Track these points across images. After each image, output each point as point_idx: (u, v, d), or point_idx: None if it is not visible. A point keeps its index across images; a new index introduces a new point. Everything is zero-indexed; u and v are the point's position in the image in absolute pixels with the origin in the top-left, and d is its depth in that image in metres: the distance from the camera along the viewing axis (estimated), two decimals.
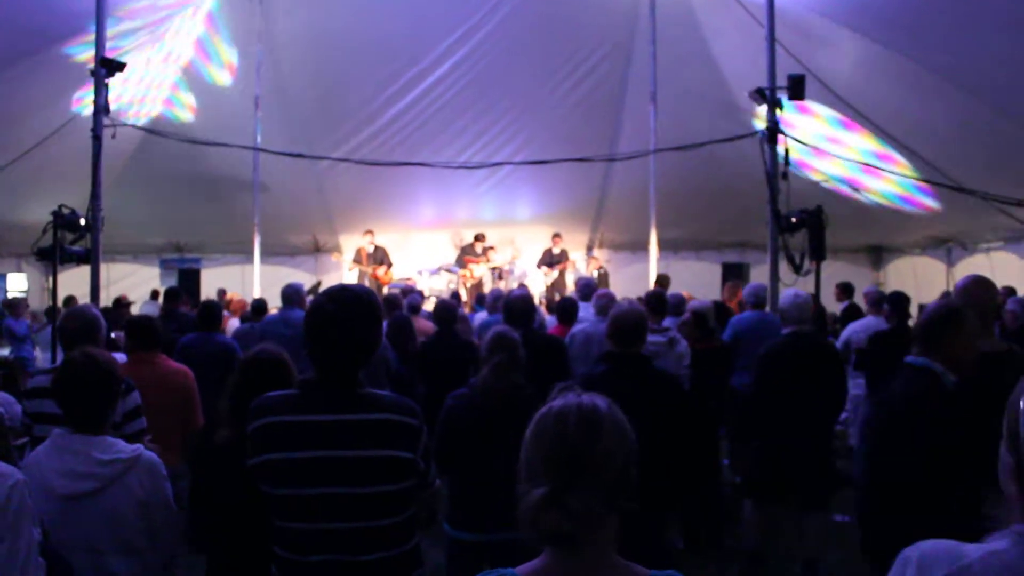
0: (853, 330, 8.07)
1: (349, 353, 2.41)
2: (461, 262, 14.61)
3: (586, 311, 7.26)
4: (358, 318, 2.42)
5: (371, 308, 2.46)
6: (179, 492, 3.05)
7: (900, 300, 7.33)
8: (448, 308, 6.52)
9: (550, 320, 8.92)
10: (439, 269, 14.64)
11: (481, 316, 8.37)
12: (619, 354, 4.07)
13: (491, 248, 14.87)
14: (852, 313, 9.53)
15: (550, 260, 14.79)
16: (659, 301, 6.26)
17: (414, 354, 6.64)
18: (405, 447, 2.39)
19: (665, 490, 4.00)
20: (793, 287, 6.02)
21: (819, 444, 5.18)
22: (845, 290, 10.38)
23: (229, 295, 11.95)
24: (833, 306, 10.95)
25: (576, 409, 1.53)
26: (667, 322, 6.26)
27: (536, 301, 11.65)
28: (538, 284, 14.91)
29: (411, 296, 9.36)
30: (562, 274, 14.70)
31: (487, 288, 13.64)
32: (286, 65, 12.32)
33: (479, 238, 14.71)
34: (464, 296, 14.01)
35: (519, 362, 3.82)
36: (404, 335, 7.12)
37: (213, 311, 6.77)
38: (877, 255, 16.41)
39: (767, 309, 7.37)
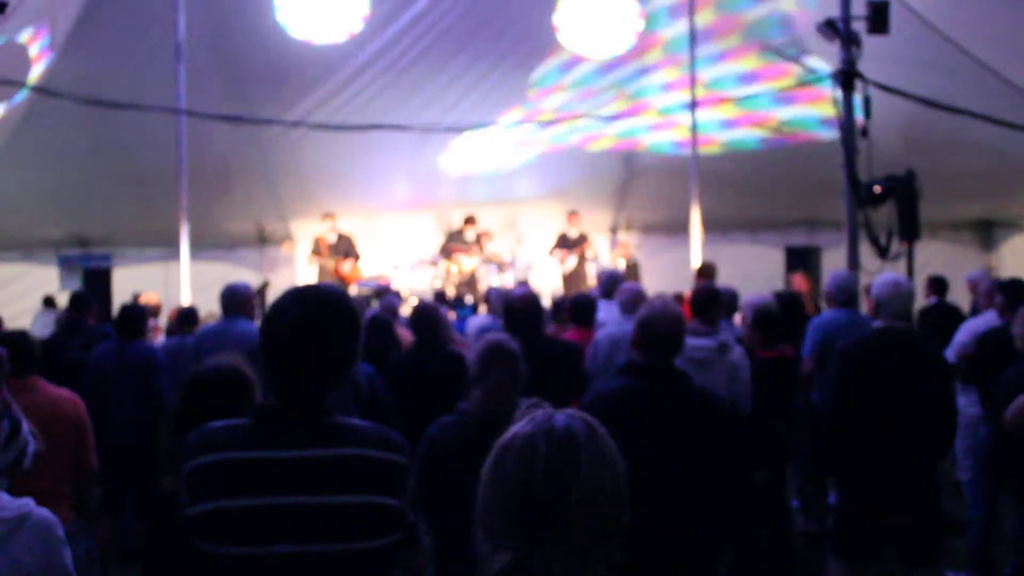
0: (971, 331, 7.87)
1: (319, 371, 2.39)
2: (447, 252, 14.58)
3: (608, 311, 7.23)
4: (331, 325, 2.40)
5: (347, 312, 2.45)
6: (75, 556, 3.00)
7: (1018, 290, 7.25)
8: (428, 313, 6.49)
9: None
10: (420, 262, 14.63)
11: (479, 321, 8.40)
12: (645, 366, 4.03)
13: (485, 234, 14.83)
14: (940, 314, 9.33)
15: (567, 244, 14.74)
16: (710, 301, 6.18)
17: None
18: (390, 491, 2.37)
19: (706, 544, 3.96)
20: (885, 273, 5.91)
21: (923, 478, 5.10)
22: (935, 285, 10.11)
23: (146, 296, 11.86)
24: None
25: (544, 438, 1.49)
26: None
27: (547, 300, 11.70)
28: (549, 278, 14.89)
29: (386, 298, 9.35)
30: (582, 261, 14.64)
31: (482, 285, 13.63)
32: (218, 2, 12.28)
33: (470, 221, 14.68)
34: (451, 295, 14.00)
35: (520, 380, 3.79)
36: (385, 343, 7.06)
37: (134, 316, 7.09)
38: (987, 232, 16.36)
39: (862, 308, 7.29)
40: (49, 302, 14.22)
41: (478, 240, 14.68)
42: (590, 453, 1.49)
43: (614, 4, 12.57)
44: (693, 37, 11.59)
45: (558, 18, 12.82)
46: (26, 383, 4.80)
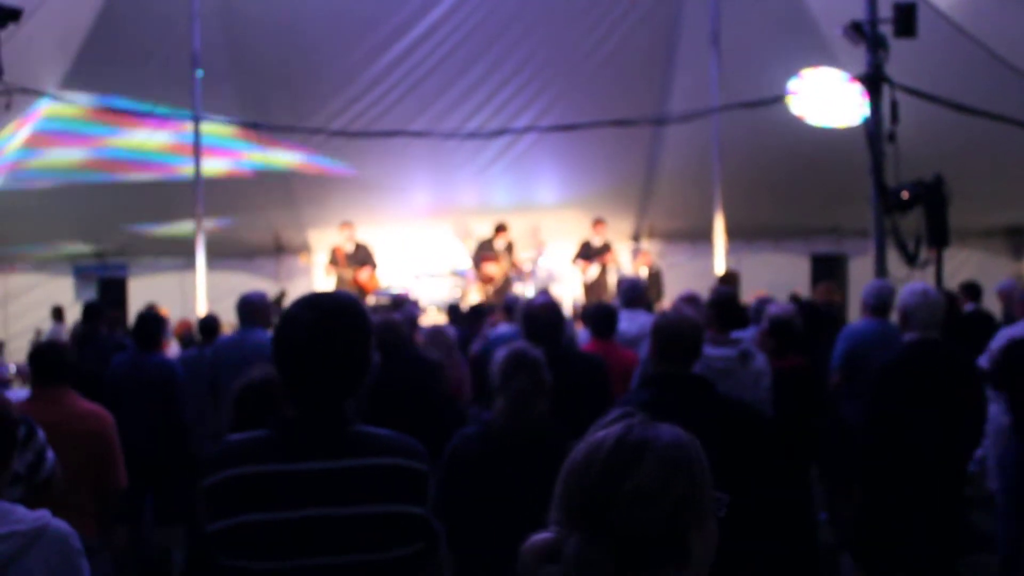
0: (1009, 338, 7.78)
1: (336, 378, 2.39)
2: (477, 262, 14.50)
3: (630, 322, 7.16)
4: (344, 330, 2.40)
5: (360, 318, 2.45)
6: (96, 571, 3.01)
7: None
8: (390, 329, 6.23)
9: (583, 335, 8.88)
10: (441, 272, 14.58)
11: (498, 331, 8.39)
12: (669, 376, 4.01)
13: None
14: (979, 321, 9.27)
15: (590, 253, 14.64)
16: (729, 306, 6.14)
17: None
18: (414, 500, 2.39)
19: (743, 557, 3.94)
20: (912, 283, 5.89)
21: (948, 489, 5.08)
22: (969, 291, 10.08)
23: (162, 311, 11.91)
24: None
25: (615, 439, 1.51)
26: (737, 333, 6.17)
27: (570, 310, 11.63)
28: (571, 288, 14.86)
29: (405, 308, 9.33)
30: (604, 271, 14.55)
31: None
32: (234, 10, 12.35)
33: (501, 230, 14.39)
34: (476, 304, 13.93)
35: (545, 388, 3.78)
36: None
37: (150, 325, 7.02)
38: (1018, 239, 16.25)
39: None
40: (57, 313, 14.30)
41: (509, 249, 14.47)
42: (660, 456, 1.50)
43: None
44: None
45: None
46: (58, 394, 4.82)
